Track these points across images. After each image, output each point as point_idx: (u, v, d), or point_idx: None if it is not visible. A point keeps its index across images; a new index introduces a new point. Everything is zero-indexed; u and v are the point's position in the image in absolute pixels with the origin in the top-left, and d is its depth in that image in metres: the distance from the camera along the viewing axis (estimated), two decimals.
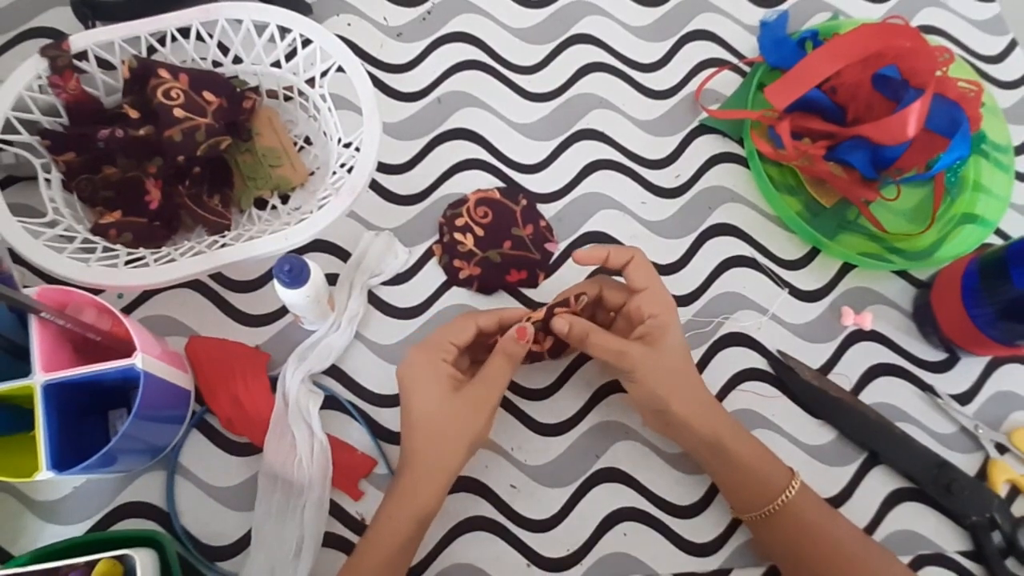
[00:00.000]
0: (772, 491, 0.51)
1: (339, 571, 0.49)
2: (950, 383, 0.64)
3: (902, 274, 0.67)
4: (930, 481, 0.60)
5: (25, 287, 0.52)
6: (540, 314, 0.53)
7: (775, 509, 0.51)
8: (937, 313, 0.63)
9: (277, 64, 0.62)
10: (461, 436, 0.50)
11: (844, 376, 0.64)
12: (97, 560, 0.45)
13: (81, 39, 0.56)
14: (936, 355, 0.65)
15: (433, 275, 0.63)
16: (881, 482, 0.61)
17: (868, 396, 0.63)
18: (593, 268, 0.62)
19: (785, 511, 0.51)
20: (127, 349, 0.48)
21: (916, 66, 0.64)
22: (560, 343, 0.56)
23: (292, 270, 0.49)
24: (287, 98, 0.64)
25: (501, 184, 0.66)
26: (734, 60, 0.73)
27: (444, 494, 0.51)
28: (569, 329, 0.53)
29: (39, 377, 0.46)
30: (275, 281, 0.50)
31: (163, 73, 0.57)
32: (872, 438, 0.61)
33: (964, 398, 0.64)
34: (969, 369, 0.65)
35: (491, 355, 0.52)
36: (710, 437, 0.52)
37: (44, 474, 0.44)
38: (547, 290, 0.64)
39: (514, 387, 0.61)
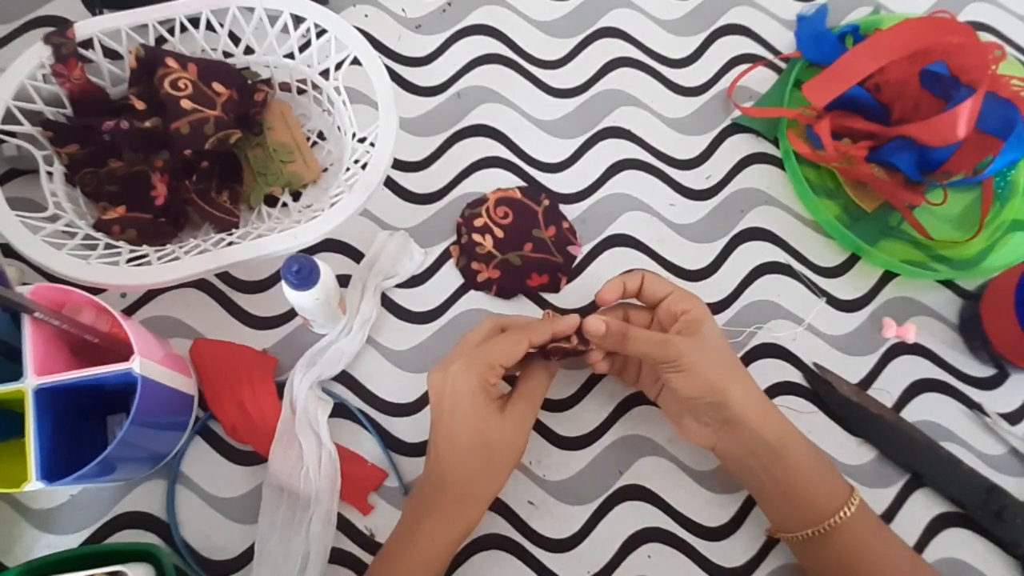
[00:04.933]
0: (828, 507, 0.47)
1: None
2: (1000, 401, 0.61)
3: (948, 284, 0.64)
4: (978, 506, 0.56)
5: (25, 284, 0.50)
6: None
7: (827, 528, 0.47)
8: (987, 326, 0.59)
9: (290, 55, 0.59)
10: (509, 458, 0.49)
11: (885, 392, 0.60)
12: None
13: (87, 26, 0.54)
14: (984, 371, 0.61)
15: (450, 278, 0.60)
16: (925, 506, 0.57)
17: (911, 413, 0.60)
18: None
19: (839, 531, 0.47)
20: (127, 352, 0.45)
21: (967, 63, 0.60)
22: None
23: (301, 271, 0.46)
24: (300, 91, 0.62)
25: (522, 183, 0.63)
26: (769, 56, 0.69)
27: (483, 516, 0.50)
28: (606, 330, 0.49)
29: (31, 381, 0.44)
30: (283, 282, 0.47)
31: (171, 63, 0.55)
32: (915, 459, 0.57)
33: (1015, 417, 0.60)
34: (1020, 386, 0.61)
35: (532, 368, 0.51)
36: (771, 435, 0.48)
37: (33, 485, 0.42)
38: (569, 295, 0.61)
39: None
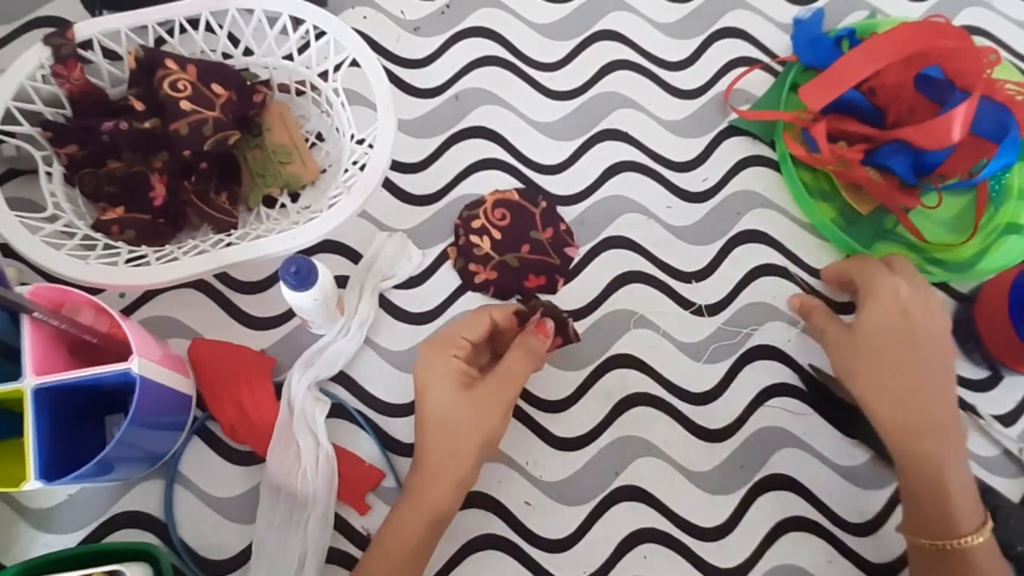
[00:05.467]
0: (965, 526, 0.47)
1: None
2: (993, 403, 0.61)
3: (942, 286, 0.64)
4: None
5: (24, 284, 0.50)
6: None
7: (957, 546, 0.47)
8: (981, 329, 0.60)
9: (289, 57, 0.59)
10: (472, 435, 0.47)
11: None
12: None
13: (86, 27, 0.54)
14: (978, 373, 0.62)
15: (448, 279, 0.60)
16: None
17: None
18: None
19: (967, 552, 0.47)
20: (125, 352, 0.45)
21: (962, 67, 0.60)
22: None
23: (299, 272, 0.46)
24: (299, 92, 0.62)
25: (520, 185, 0.63)
26: (766, 59, 0.69)
27: (457, 497, 0.48)
28: (801, 304, 0.59)
29: (30, 381, 0.44)
30: (281, 283, 0.48)
31: (170, 64, 0.55)
32: None
33: (1008, 419, 0.61)
34: (1013, 388, 0.62)
35: (509, 350, 0.50)
36: (892, 436, 0.50)
37: (32, 484, 0.42)
38: (566, 296, 0.61)
39: (529, 398, 0.58)
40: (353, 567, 0.52)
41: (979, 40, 0.71)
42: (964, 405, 0.60)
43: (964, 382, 0.61)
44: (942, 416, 0.50)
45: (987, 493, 0.57)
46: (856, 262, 0.56)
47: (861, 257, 0.56)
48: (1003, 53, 0.71)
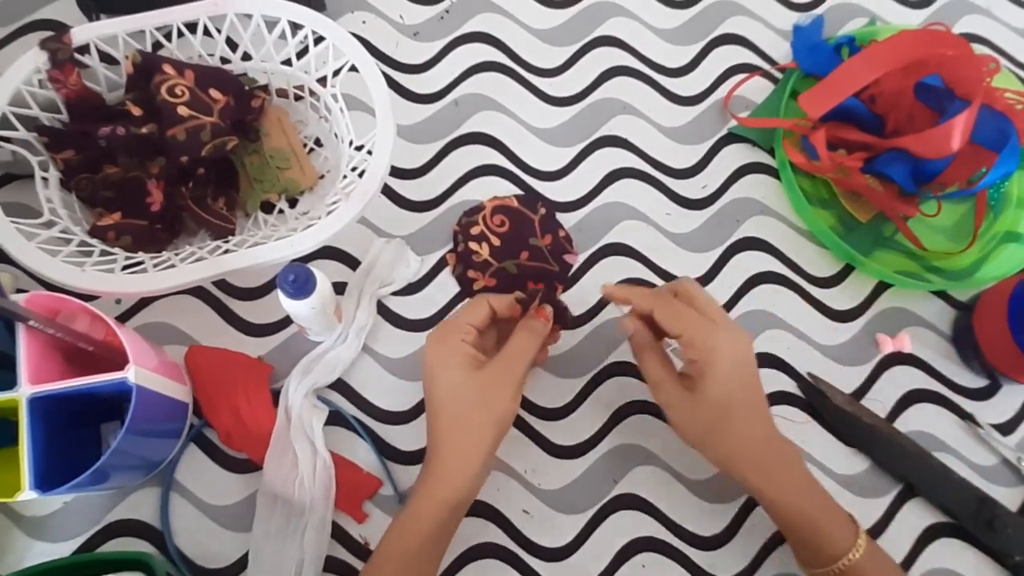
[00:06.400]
0: (831, 551, 0.47)
1: (365, 565, 0.47)
2: (992, 412, 0.61)
3: (941, 295, 0.64)
4: (970, 516, 0.57)
5: (21, 291, 0.50)
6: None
7: (839, 570, 0.47)
8: (979, 337, 0.60)
9: (288, 62, 0.59)
10: (486, 415, 0.48)
11: (878, 402, 0.60)
12: None
13: (83, 32, 0.54)
14: (977, 381, 0.62)
15: (446, 286, 0.60)
16: (917, 516, 0.58)
17: (904, 424, 0.60)
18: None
19: (848, 571, 0.47)
20: (121, 359, 0.45)
21: (961, 75, 0.60)
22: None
23: (297, 280, 0.46)
24: (297, 97, 0.62)
25: (519, 191, 0.63)
26: (766, 66, 0.69)
27: (476, 481, 0.48)
28: (632, 336, 0.51)
29: (25, 389, 0.43)
30: (279, 291, 0.47)
31: (168, 69, 0.55)
32: (908, 469, 0.58)
33: (1007, 428, 0.61)
34: (1012, 397, 0.61)
35: (514, 331, 0.50)
36: (750, 487, 0.49)
37: (26, 494, 0.41)
38: (565, 303, 0.60)
39: (528, 406, 0.58)
40: None
41: (979, 48, 0.70)
42: (963, 414, 0.60)
43: (962, 390, 0.61)
44: (784, 449, 0.49)
45: (985, 502, 0.57)
46: (665, 311, 0.48)
47: (666, 303, 0.49)
48: (1003, 61, 0.71)
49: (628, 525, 0.56)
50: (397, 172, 0.62)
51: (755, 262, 0.63)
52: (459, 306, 0.51)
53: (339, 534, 0.53)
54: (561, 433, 0.57)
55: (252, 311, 0.58)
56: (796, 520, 0.48)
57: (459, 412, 0.48)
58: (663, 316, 0.49)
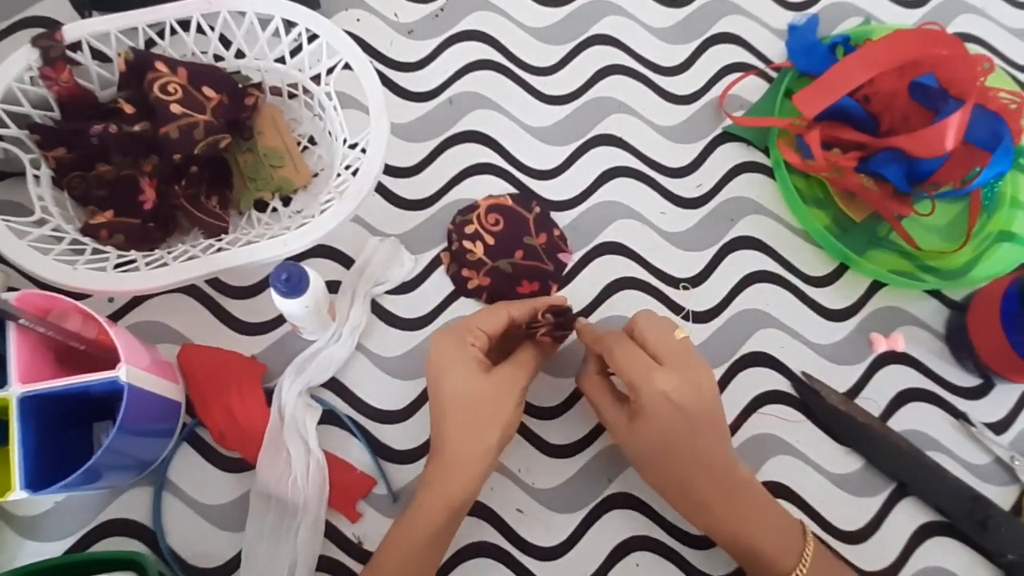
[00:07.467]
0: (776, 571, 0.47)
1: (367, 564, 0.47)
2: (985, 411, 0.61)
3: (935, 294, 0.64)
4: (963, 515, 0.57)
5: (12, 289, 0.50)
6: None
7: None
8: (973, 336, 0.60)
9: (281, 60, 0.59)
10: (493, 419, 0.48)
11: (872, 401, 0.60)
12: None
13: (75, 29, 0.53)
14: (970, 381, 0.62)
15: (440, 285, 0.60)
16: (910, 515, 0.58)
17: (897, 423, 0.60)
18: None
19: None
20: (114, 358, 0.45)
21: (955, 75, 0.60)
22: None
23: (290, 279, 0.46)
24: (291, 96, 0.61)
25: (514, 190, 0.63)
26: (760, 65, 0.69)
27: (478, 483, 0.48)
28: (587, 347, 0.53)
29: (15, 389, 0.43)
30: (272, 290, 0.47)
31: (161, 66, 0.54)
32: (901, 468, 0.58)
33: (999, 427, 0.61)
34: (1005, 396, 0.62)
35: (524, 344, 0.51)
36: (689, 514, 0.50)
37: (17, 494, 0.41)
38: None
39: None
40: None
41: (973, 48, 0.71)
42: (956, 413, 0.61)
43: (956, 390, 0.61)
44: (726, 479, 0.49)
45: (978, 501, 0.57)
46: (619, 356, 0.48)
47: (612, 344, 0.49)
48: (997, 61, 0.71)
49: (622, 524, 0.56)
50: (391, 170, 0.62)
51: (749, 261, 0.63)
52: (479, 310, 0.51)
53: (333, 534, 0.53)
54: (555, 432, 0.57)
55: (245, 310, 0.57)
56: (732, 549, 0.49)
57: (468, 414, 0.48)
58: (609, 359, 0.49)
